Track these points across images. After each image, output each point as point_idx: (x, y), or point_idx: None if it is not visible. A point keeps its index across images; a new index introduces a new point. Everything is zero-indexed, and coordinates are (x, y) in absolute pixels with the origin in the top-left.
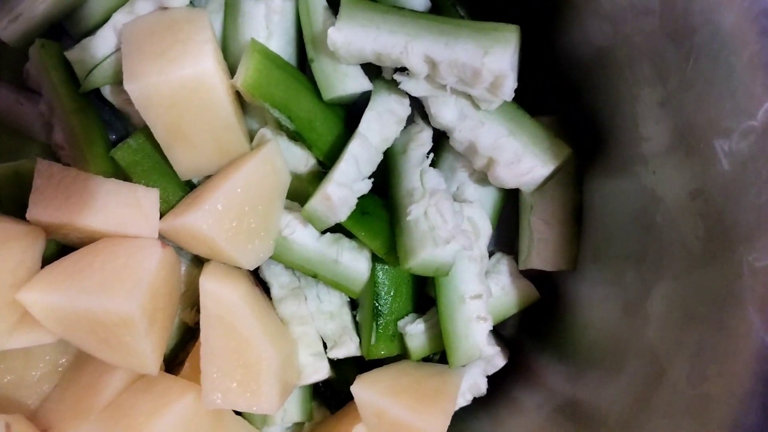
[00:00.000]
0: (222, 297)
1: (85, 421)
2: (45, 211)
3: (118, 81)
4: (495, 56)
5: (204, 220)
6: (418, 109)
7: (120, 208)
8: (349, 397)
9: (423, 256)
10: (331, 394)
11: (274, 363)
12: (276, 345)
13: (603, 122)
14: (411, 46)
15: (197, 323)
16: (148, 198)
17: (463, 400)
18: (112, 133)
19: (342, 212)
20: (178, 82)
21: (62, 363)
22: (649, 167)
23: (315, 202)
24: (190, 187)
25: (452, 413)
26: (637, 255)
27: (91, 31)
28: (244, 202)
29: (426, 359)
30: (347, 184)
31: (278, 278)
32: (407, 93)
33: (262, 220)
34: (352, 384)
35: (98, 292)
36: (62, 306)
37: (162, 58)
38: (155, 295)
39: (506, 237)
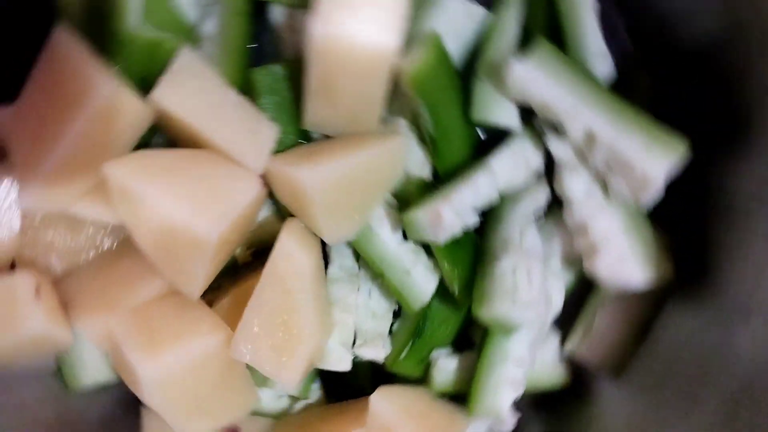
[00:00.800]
0: (295, 260)
1: (110, 312)
2: (170, 96)
3: (297, 5)
4: (656, 162)
5: (314, 181)
6: (547, 165)
7: (239, 129)
8: (351, 395)
9: (498, 309)
10: (334, 383)
11: (312, 344)
12: (320, 326)
13: None
14: (582, 114)
15: (246, 264)
16: (267, 132)
17: None
18: None
19: (443, 236)
20: (359, 44)
21: (104, 247)
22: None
23: (422, 214)
24: (304, 138)
25: None
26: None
27: None
28: (356, 179)
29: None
30: (461, 212)
31: (342, 259)
32: (548, 149)
33: (362, 203)
34: (360, 382)
35: (186, 203)
36: (143, 197)
37: (355, 14)
38: (234, 228)
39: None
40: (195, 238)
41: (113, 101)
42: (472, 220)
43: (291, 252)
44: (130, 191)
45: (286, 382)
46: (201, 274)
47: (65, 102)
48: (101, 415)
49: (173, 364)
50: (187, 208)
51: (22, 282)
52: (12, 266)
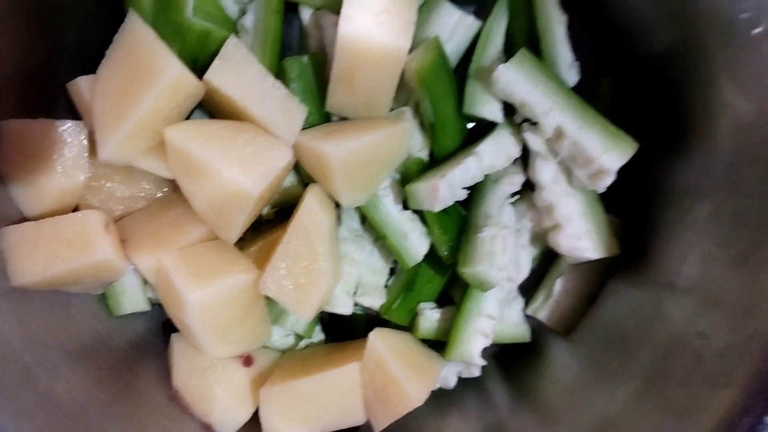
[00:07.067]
0: (317, 217)
1: (162, 250)
2: (221, 77)
3: (321, 7)
4: (611, 157)
5: (336, 154)
6: (522, 155)
7: (276, 108)
8: (347, 336)
9: (478, 269)
10: (333, 325)
11: (326, 288)
12: (332, 274)
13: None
14: (553, 113)
15: (269, 220)
16: (298, 112)
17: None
18: None
19: (438, 206)
20: (377, 44)
21: (155, 196)
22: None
23: (421, 187)
24: (326, 119)
25: (431, 390)
26: (626, 361)
27: None
28: (370, 155)
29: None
30: (454, 187)
31: (351, 221)
32: (524, 140)
33: (372, 175)
34: (356, 326)
35: (234, 163)
36: (196, 155)
37: (375, 19)
38: (269, 188)
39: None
40: (240, 193)
41: (178, 79)
42: (461, 194)
43: (314, 210)
44: (186, 152)
45: (302, 315)
46: (240, 224)
47: (140, 77)
48: (132, 338)
49: (213, 294)
50: (235, 168)
51: (94, 217)
52: (74, 210)
